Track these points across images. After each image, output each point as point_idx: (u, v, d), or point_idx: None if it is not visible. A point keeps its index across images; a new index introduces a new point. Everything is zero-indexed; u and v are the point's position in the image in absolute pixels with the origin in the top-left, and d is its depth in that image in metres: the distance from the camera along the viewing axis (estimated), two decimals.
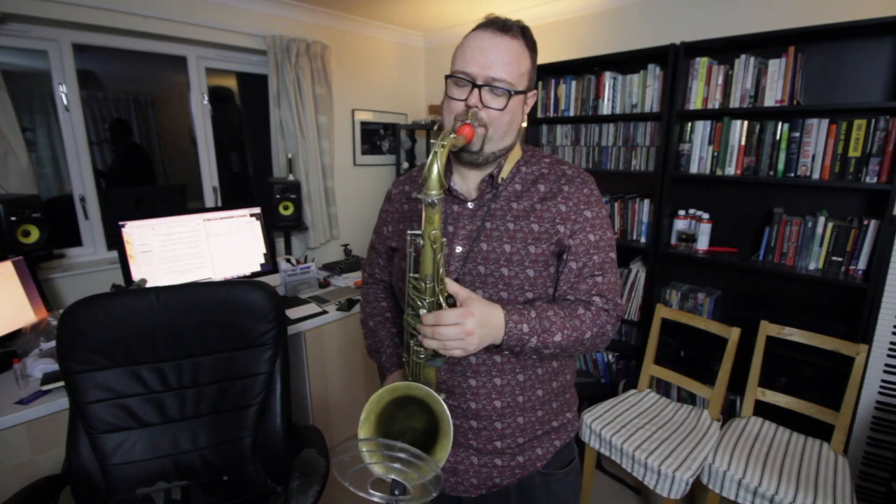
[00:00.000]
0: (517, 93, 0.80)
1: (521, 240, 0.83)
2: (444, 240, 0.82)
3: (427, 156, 0.69)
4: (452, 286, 0.74)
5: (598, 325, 0.83)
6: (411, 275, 0.74)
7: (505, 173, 0.89)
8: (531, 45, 0.83)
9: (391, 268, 1.03)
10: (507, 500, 0.93)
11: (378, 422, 0.77)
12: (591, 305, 0.84)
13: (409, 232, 0.74)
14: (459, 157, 0.84)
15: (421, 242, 0.70)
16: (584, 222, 0.85)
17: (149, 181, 2.72)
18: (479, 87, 0.78)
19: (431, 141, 0.68)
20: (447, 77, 0.82)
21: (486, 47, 0.78)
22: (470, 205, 0.88)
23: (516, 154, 0.92)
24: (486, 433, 0.88)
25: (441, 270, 0.72)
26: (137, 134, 2.63)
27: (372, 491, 0.70)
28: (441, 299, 0.72)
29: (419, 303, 0.73)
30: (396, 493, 0.70)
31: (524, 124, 0.87)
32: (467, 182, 0.90)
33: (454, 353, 0.71)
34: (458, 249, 0.86)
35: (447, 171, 0.89)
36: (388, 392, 0.75)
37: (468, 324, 0.70)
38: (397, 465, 0.69)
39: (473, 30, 0.82)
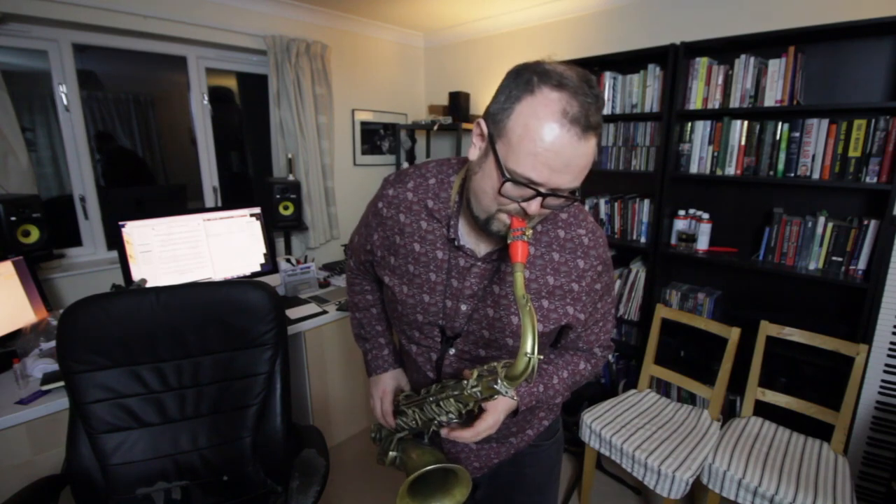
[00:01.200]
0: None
1: None
2: (449, 301, 0.83)
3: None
4: (466, 373, 0.77)
5: (595, 374, 0.94)
6: (452, 394, 0.79)
7: None
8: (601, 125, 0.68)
9: (374, 275, 0.99)
10: (498, 464, 1.01)
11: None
12: (592, 357, 0.92)
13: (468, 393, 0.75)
14: (486, 231, 0.73)
15: (472, 405, 0.77)
16: (594, 295, 0.84)
17: (145, 181, 2.72)
18: (544, 195, 0.65)
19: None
20: (505, 178, 0.65)
21: (567, 156, 0.62)
22: (480, 263, 0.81)
23: None
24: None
25: None
26: (137, 134, 2.63)
27: None
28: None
29: (450, 410, 0.80)
30: None
31: None
32: (478, 243, 0.81)
33: None
34: (463, 308, 0.82)
35: (454, 222, 0.81)
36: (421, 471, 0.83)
37: (494, 429, 0.78)
38: None
39: (548, 108, 0.61)
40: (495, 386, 0.69)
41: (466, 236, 0.81)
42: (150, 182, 2.73)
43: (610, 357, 2.46)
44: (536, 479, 1.04)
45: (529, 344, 0.62)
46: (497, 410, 0.77)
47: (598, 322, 0.88)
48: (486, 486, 1.06)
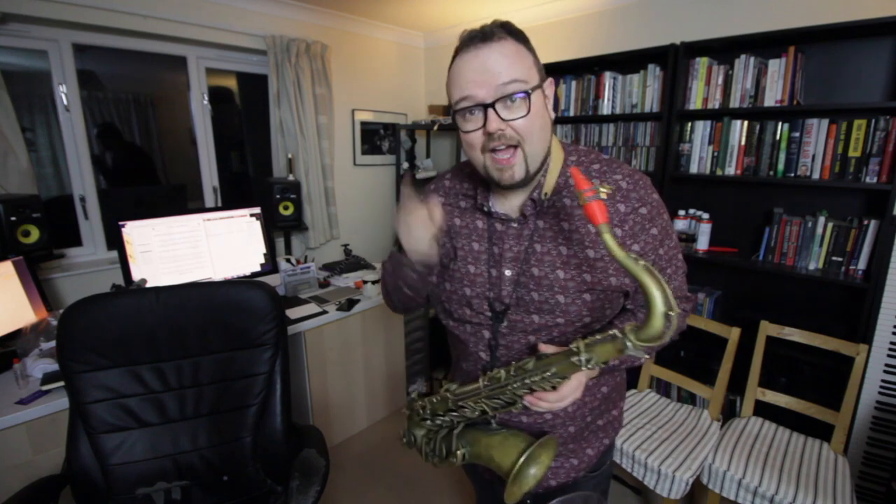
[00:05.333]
0: (534, 88, 0.70)
1: (575, 266, 0.77)
2: (494, 270, 0.82)
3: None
4: (546, 347, 0.74)
5: (677, 329, 0.79)
6: (543, 373, 0.70)
7: (549, 187, 0.79)
8: (521, 38, 0.73)
9: None
10: (553, 489, 0.94)
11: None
12: None
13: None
14: (507, 188, 0.76)
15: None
16: (649, 239, 0.77)
17: (151, 180, 2.72)
18: (491, 105, 0.69)
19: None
20: (453, 114, 0.73)
21: (477, 62, 0.69)
22: (514, 224, 0.81)
23: (557, 160, 0.80)
24: None
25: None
26: (137, 134, 2.63)
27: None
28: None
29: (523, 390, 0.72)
30: None
31: (552, 117, 0.79)
32: (509, 201, 0.82)
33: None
34: (508, 273, 0.81)
35: (483, 192, 0.84)
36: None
37: (578, 392, 0.73)
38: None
39: (454, 57, 0.73)
40: (626, 344, 0.61)
41: (499, 205, 0.84)
42: (153, 180, 2.73)
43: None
44: None
45: (659, 299, 0.56)
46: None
47: (665, 270, 0.80)
48: None
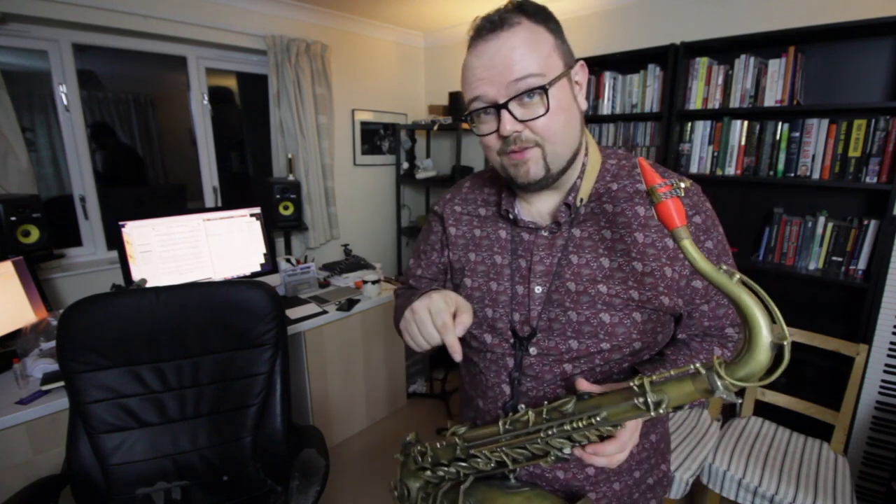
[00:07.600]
0: (554, 81, 0.61)
1: (620, 280, 0.66)
2: (520, 287, 0.71)
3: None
4: (584, 385, 0.62)
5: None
6: (593, 419, 0.56)
7: (585, 193, 0.69)
8: (542, 18, 0.65)
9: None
10: None
11: None
12: (728, 341, 0.72)
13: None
14: (525, 187, 0.68)
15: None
16: (705, 255, 0.64)
17: (142, 181, 2.72)
18: (503, 106, 0.61)
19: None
20: (464, 118, 0.67)
21: (486, 57, 0.62)
22: (544, 232, 0.71)
23: (595, 162, 0.71)
24: None
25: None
26: (137, 134, 2.63)
27: None
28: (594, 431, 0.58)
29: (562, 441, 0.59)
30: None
31: (584, 108, 0.69)
32: (536, 206, 0.73)
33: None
34: (538, 290, 0.70)
35: (508, 196, 0.74)
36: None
37: (636, 438, 0.61)
38: None
39: (468, 49, 0.66)
40: (714, 382, 0.47)
41: (525, 212, 0.75)
42: (144, 182, 2.73)
43: None
44: None
45: (764, 323, 0.45)
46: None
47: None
48: None
